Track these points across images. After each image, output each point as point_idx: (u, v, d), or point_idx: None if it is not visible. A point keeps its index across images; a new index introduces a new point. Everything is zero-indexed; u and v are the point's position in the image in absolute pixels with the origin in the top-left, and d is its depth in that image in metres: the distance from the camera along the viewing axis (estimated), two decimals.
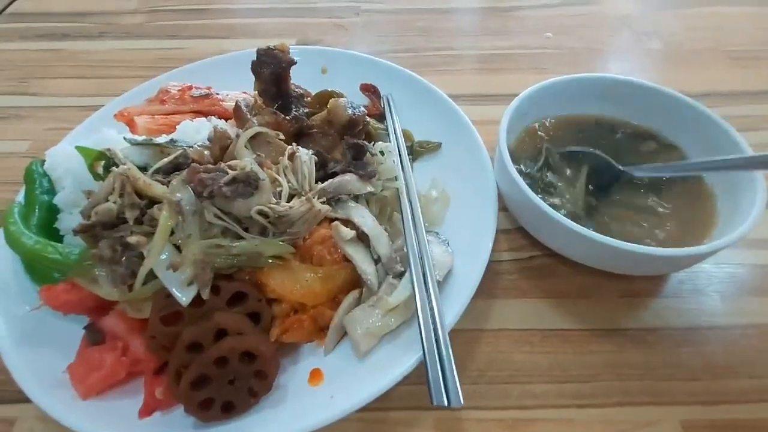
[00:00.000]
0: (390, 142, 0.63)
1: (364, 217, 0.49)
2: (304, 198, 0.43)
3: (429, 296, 0.45)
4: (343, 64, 0.76)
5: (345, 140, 0.53)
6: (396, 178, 0.57)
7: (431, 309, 0.44)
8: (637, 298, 0.52)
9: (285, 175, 0.46)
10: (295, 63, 0.54)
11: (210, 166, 0.41)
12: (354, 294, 0.48)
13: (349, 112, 0.54)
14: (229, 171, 0.40)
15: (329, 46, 0.89)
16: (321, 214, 0.45)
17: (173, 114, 0.62)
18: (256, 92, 0.55)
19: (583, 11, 0.95)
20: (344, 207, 0.50)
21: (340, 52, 0.77)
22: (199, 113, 0.66)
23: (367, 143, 0.53)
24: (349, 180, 0.51)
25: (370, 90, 0.71)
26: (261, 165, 0.43)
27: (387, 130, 0.66)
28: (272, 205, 0.41)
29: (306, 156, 0.48)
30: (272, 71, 0.52)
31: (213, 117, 0.63)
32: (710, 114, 0.55)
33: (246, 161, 0.41)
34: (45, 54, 0.91)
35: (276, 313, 0.44)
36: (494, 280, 0.54)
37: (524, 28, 0.92)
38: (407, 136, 0.66)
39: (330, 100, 0.55)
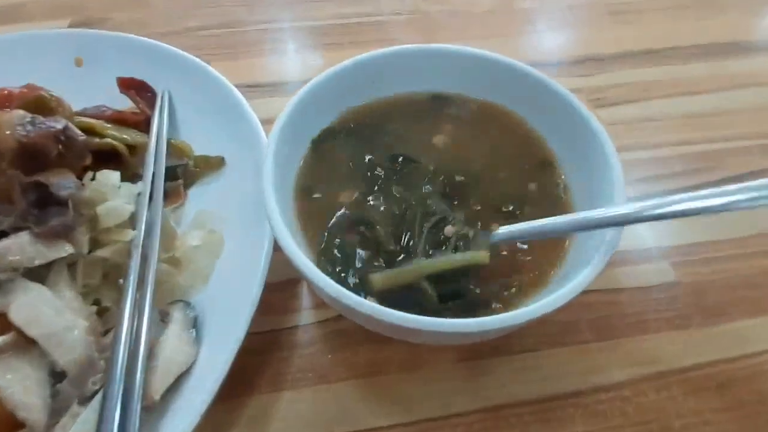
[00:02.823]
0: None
1: (34, 306, 0.31)
2: None
3: None
4: (106, 52, 0.54)
5: (17, 180, 0.33)
6: (134, 226, 0.38)
7: None
8: (479, 360, 0.37)
9: None
10: None
11: None
12: None
13: (20, 133, 0.34)
14: None
15: (118, 27, 0.67)
16: None
17: None
18: None
19: None
20: (3, 292, 0.31)
21: (100, 35, 0.55)
22: None
23: (59, 182, 0.34)
24: (9, 246, 0.31)
25: (133, 87, 0.50)
26: None
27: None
28: None
29: None
30: None
31: None
32: (563, 92, 0.39)
33: None
34: None
35: None
36: (285, 359, 0.37)
37: None
38: (183, 151, 0.47)
39: None
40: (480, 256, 0.33)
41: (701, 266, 0.42)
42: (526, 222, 0.34)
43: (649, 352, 0.37)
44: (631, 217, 0.30)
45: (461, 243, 0.34)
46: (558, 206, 0.38)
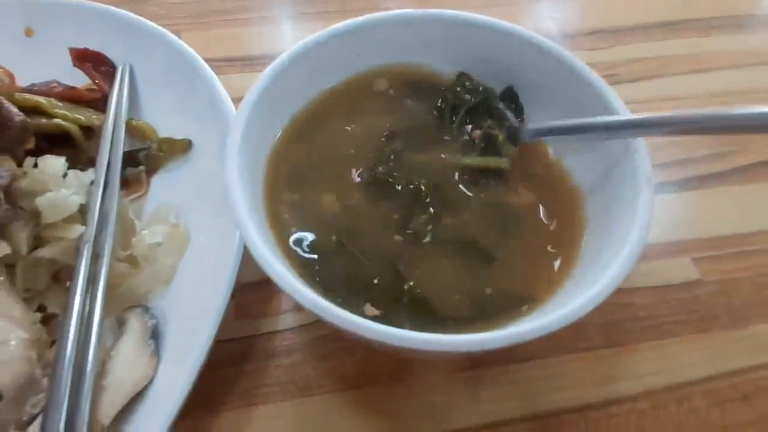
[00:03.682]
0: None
1: None
2: None
3: None
4: (59, 20, 0.48)
5: None
6: (85, 220, 0.33)
7: None
8: (478, 370, 0.33)
9: None
10: None
11: None
12: None
13: None
14: None
15: None
16: None
17: None
18: None
19: None
20: None
21: (54, 1, 0.49)
22: None
23: None
24: None
25: (88, 59, 0.44)
26: None
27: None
28: None
29: None
30: None
31: None
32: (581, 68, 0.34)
33: None
34: None
35: None
36: (261, 369, 0.33)
37: None
38: (145, 133, 0.42)
39: None
40: (500, 161, 0.33)
41: (727, 262, 0.38)
42: (560, 120, 0.33)
43: (667, 360, 0.34)
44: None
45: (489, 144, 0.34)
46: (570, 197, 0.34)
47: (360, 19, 0.37)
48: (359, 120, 0.36)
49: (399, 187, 0.32)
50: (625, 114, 0.31)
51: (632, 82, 0.51)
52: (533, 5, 0.61)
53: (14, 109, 0.33)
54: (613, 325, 0.36)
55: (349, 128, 0.36)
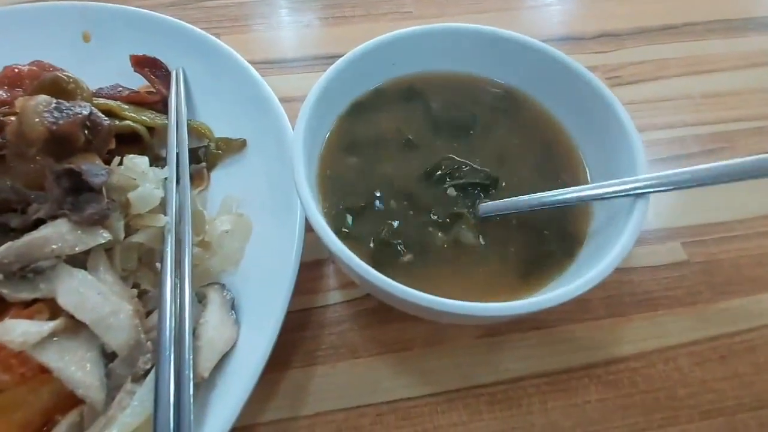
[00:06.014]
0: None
1: (80, 292, 0.32)
2: None
3: (179, 412, 0.31)
4: (115, 26, 0.53)
5: (49, 168, 0.33)
6: (164, 211, 0.39)
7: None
8: (498, 336, 0.40)
9: None
10: None
11: None
12: (73, 417, 0.31)
13: (48, 120, 0.34)
14: None
15: None
16: None
17: None
18: None
19: None
20: (48, 279, 0.33)
21: (108, 8, 0.53)
22: None
23: (90, 169, 0.34)
24: (49, 235, 0.32)
25: (146, 65, 0.49)
26: None
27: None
28: None
29: None
30: None
31: None
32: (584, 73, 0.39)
33: None
34: None
35: None
36: (317, 336, 0.39)
37: None
38: (202, 132, 0.47)
39: (17, 102, 0.35)
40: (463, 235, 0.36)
41: (712, 246, 0.44)
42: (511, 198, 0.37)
43: (658, 328, 0.40)
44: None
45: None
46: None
47: (395, 33, 0.42)
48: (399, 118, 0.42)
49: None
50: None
51: (633, 84, 0.56)
52: (544, 9, 0.65)
53: (101, 115, 0.38)
54: (613, 299, 0.42)
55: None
